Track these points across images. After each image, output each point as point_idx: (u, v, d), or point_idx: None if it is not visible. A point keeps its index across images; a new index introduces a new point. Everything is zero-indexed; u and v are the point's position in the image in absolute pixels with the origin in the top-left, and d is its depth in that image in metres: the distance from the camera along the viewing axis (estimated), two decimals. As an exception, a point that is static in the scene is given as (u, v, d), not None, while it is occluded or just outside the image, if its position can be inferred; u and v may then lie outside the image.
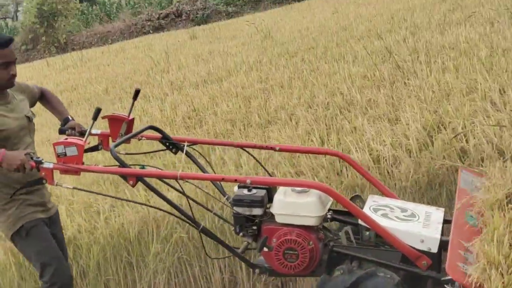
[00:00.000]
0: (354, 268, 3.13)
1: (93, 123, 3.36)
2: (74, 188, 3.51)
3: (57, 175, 3.39)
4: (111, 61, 18.11)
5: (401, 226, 3.14)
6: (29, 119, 3.82)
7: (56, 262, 3.74)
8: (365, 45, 9.71)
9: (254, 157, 4.08)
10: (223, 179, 3.28)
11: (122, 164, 3.30)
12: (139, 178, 3.26)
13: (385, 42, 9.37)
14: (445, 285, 2.79)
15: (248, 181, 3.14)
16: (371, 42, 9.88)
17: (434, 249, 3.04)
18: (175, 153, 3.92)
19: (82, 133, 3.82)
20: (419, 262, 3.04)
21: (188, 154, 3.80)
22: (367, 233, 3.28)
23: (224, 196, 3.65)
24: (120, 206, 5.16)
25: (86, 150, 3.56)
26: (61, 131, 3.97)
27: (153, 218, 4.86)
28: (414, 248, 3.05)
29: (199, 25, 26.76)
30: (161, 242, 4.67)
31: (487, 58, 6.66)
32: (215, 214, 3.98)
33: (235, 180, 3.21)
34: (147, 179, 3.35)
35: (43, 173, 3.33)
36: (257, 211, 3.33)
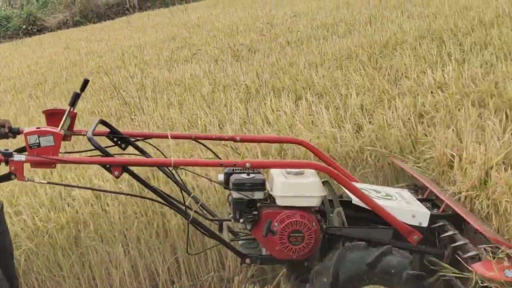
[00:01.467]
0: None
1: (70, 109, 3.03)
2: (48, 183, 3.24)
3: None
4: None
5: (391, 203, 3.24)
6: None
7: None
8: (95, 81, 9.66)
9: (211, 150, 3.87)
10: (221, 164, 3.21)
11: (105, 153, 3.01)
12: (125, 167, 2.97)
13: (114, 78, 9.41)
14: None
15: (247, 164, 3.07)
16: (101, 78, 9.86)
17: (425, 223, 3.20)
18: (124, 148, 3.56)
19: (12, 131, 3.30)
20: (411, 237, 3.14)
21: (141, 150, 3.59)
22: (338, 218, 3.31)
23: (189, 195, 3.49)
24: None
25: (21, 150, 3.08)
26: None
27: None
28: (406, 223, 3.15)
29: None
30: None
31: (209, 94, 7.00)
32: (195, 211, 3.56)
33: (234, 165, 3.15)
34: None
35: (12, 168, 2.87)
36: (259, 195, 3.20)
